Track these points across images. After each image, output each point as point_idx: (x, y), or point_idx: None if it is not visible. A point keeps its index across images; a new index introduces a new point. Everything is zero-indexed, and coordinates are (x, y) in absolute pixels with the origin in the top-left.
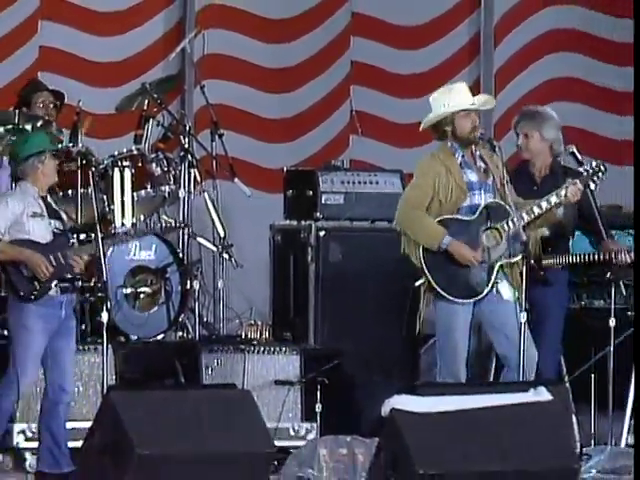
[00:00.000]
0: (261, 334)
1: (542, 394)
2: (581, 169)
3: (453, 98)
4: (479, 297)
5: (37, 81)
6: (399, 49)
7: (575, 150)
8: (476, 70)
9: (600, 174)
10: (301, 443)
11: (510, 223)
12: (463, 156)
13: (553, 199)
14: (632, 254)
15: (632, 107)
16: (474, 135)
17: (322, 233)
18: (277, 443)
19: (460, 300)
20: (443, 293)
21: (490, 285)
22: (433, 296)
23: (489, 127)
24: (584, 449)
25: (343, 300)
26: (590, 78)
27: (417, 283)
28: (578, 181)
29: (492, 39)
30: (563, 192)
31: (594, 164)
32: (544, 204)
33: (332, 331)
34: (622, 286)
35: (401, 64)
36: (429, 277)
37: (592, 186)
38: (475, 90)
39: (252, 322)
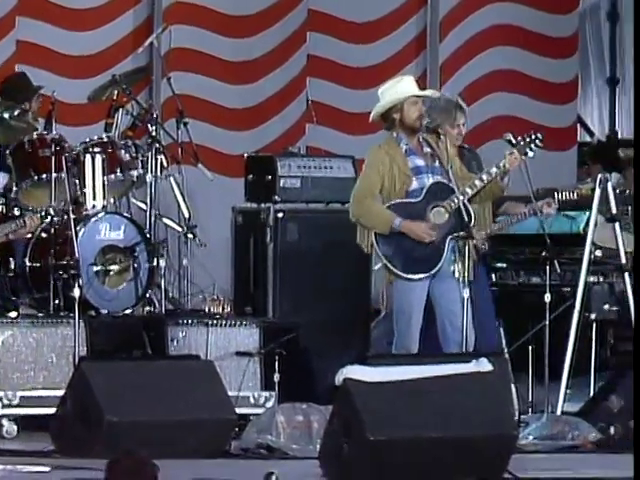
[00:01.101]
0: (223, 308)
1: (483, 365)
2: (519, 138)
3: (402, 88)
4: (433, 272)
5: (29, 80)
6: (352, 44)
7: (511, 137)
8: (423, 63)
9: (537, 141)
10: (260, 411)
11: (455, 199)
12: (407, 144)
13: (493, 170)
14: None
15: (568, 97)
16: (420, 123)
17: (280, 214)
18: (238, 411)
19: (416, 276)
20: (400, 273)
21: (442, 260)
22: (391, 276)
23: None
24: (522, 416)
25: (300, 276)
26: (528, 70)
27: (375, 267)
28: (515, 150)
29: (438, 34)
30: (502, 163)
31: (531, 132)
32: (485, 176)
33: (289, 305)
34: (557, 264)
35: (354, 58)
36: (385, 261)
37: (530, 154)
38: (422, 82)
39: (215, 297)
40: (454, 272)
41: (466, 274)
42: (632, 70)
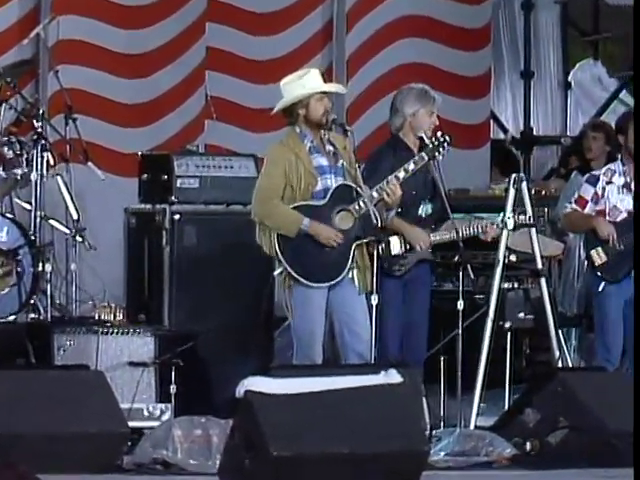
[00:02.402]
0: (115, 316)
1: (393, 376)
2: (427, 141)
3: (308, 82)
4: (336, 280)
5: None
6: (254, 35)
7: (424, 135)
8: (328, 56)
9: (445, 144)
10: (155, 424)
11: (361, 204)
12: (312, 141)
13: (401, 175)
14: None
15: (481, 92)
16: (326, 119)
17: (177, 217)
18: (131, 424)
19: (317, 285)
20: (301, 279)
21: (347, 268)
22: (291, 281)
23: (341, 112)
24: (433, 431)
25: (198, 282)
26: (438, 63)
27: (275, 273)
28: (423, 153)
29: (344, 25)
30: (411, 167)
31: (439, 135)
32: (393, 180)
33: (186, 313)
34: (470, 269)
35: (256, 50)
36: (285, 264)
37: (439, 157)
38: (328, 75)
39: (105, 304)
40: (353, 279)
41: (368, 281)
42: (548, 63)
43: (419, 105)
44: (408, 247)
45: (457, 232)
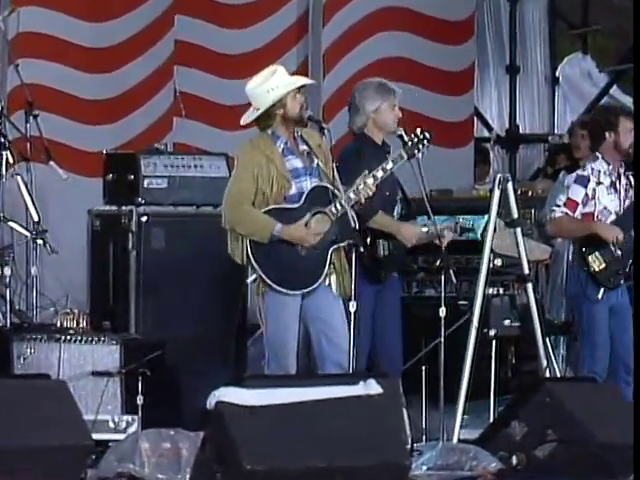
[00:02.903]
0: (78, 323)
1: (372, 387)
2: (406, 138)
3: (279, 81)
4: (312, 287)
5: None
6: (225, 28)
7: (403, 133)
8: (304, 50)
9: (425, 141)
10: (121, 437)
11: (338, 205)
12: (286, 142)
13: (379, 174)
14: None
15: (464, 87)
16: (303, 115)
17: (144, 218)
18: (95, 436)
19: (292, 292)
20: (275, 286)
21: (324, 275)
22: (264, 288)
23: (317, 109)
24: (415, 444)
25: (167, 288)
26: (419, 58)
27: (249, 280)
28: (402, 151)
29: (320, 17)
30: (389, 165)
31: (418, 132)
32: (370, 181)
33: (155, 320)
34: (452, 274)
35: (227, 44)
36: (259, 271)
37: (419, 155)
38: (303, 70)
39: (68, 310)
40: (331, 285)
41: (347, 286)
42: (535, 57)
43: (380, 100)
44: (392, 249)
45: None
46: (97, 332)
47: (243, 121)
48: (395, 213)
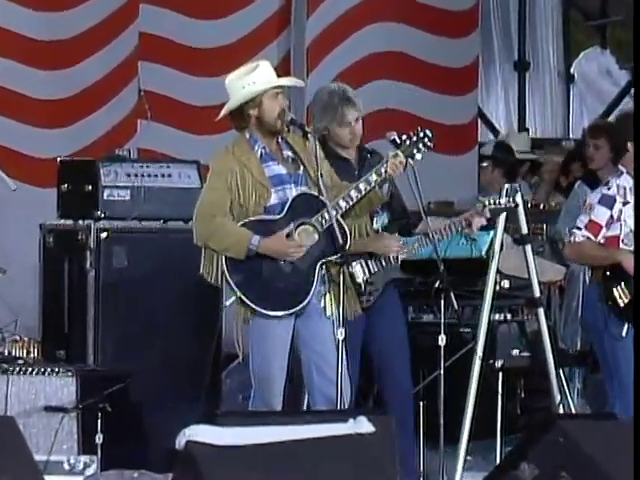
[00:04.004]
0: (28, 352)
1: (363, 425)
2: (404, 137)
3: (258, 77)
4: (299, 307)
5: None
6: (196, 19)
7: (396, 137)
8: (286, 43)
9: (426, 140)
10: (79, 479)
11: (326, 215)
12: (264, 148)
13: (372, 178)
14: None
15: (467, 86)
16: (282, 120)
17: (104, 235)
18: (48, 479)
19: (277, 313)
20: (258, 308)
21: (311, 293)
22: (248, 312)
23: (301, 111)
24: None
25: (130, 313)
26: (416, 52)
27: (226, 304)
28: (399, 152)
29: (305, 7)
30: (383, 168)
31: (418, 129)
32: (362, 185)
33: (116, 349)
34: (453, 297)
35: (199, 36)
36: (238, 292)
37: (418, 156)
38: (285, 67)
39: (17, 338)
40: (325, 308)
41: (340, 310)
42: (547, 51)
43: (327, 121)
44: (373, 269)
45: (431, 235)
46: (50, 362)
47: (218, 118)
48: (377, 225)
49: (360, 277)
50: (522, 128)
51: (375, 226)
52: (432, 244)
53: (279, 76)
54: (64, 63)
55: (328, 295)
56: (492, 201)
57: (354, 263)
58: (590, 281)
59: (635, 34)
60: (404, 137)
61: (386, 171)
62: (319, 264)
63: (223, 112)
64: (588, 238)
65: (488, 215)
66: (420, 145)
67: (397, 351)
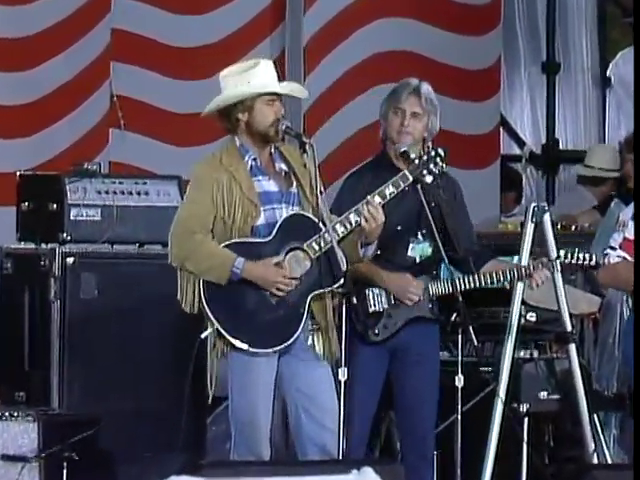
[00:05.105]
0: None
1: (368, 476)
2: (412, 155)
3: (255, 77)
4: (287, 343)
5: None
6: (177, 13)
7: (407, 149)
8: (279, 41)
9: (438, 160)
10: None
11: (321, 240)
12: (255, 159)
13: (376, 200)
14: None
15: (487, 90)
16: (276, 130)
17: (70, 260)
18: None
19: (261, 350)
20: (238, 343)
21: (301, 328)
22: (224, 346)
23: (298, 119)
24: None
25: (100, 350)
26: (430, 52)
27: (203, 335)
28: (406, 172)
29: (302, 1)
30: (389, 190)
31: (429, 147)
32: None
33: (84, 391)
34: (472, 332)
35: (179, 34)
36: (215, 322)
37: (428, 179)
38: (280, 69)
39: None
40: (314, 345)
41: (334, 347)
42: (579, 51)
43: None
44: (394, 301)
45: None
46: (8, 406)
47: (204, 113)
48: (413, 253)
49: (376, 306)
50: (550, 139)
51: (409, 254)
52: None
53: (280, 79)
54: (25, 64)
55: (316, 333)
56: (568, 254)
57: (367, 291)
58: (629, 311)
59: (635, 34)
60: (412, 155)
61: (391, 194)
62: (311, 295)
63: (208, 108)
64: (624, 258)
65: (556, 269)
66: (431, 165)
67: (421, 408)
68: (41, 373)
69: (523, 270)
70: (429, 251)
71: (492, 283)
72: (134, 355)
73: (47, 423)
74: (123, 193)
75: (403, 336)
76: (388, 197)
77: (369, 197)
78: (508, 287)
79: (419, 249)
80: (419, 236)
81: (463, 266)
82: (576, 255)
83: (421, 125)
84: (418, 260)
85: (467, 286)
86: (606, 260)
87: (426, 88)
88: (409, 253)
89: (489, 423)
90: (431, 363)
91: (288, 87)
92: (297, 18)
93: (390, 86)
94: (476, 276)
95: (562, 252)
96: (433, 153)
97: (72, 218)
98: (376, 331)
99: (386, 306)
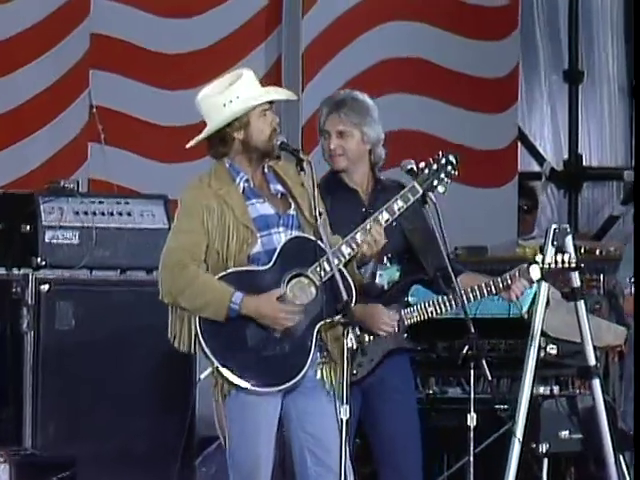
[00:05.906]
0: None
1: None
2: (421, 165)
3: (242, 90)
4: (294, 382)
5: None
6: (163, 17)
7: (414, 166)
8: (275, 47)
9: (449, 168)
10: None
11: (325, 265)
12: (248, 180)
13: (384, 217)
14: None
15: (504, 101)
16: (274, 143)
17: (45, 287)
18: None
19: (267, 389)
20: (243, 383)
21: (308, 364)
22: (227, 386)
23: (295, 132)
24: None
25: (77, 385)
26: (441, 60)
27: (202, 375)
28: (415, 183)
29: (300, 3)
30: (397, 205)
31: (439, 155)
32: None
33: (59, 430)
34: (486, 366)
35: (165, 40)
36: (216, 363)
37: (440, 189)
38: (275, 75)
39: None
40: (323, 380)
41: (343, 382)
42: (605, 59)
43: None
44: (368, 337)
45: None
46: None
47: (189, 144)
48: (380, 280)
49: (349, 344)
50: (573, 154)
51: (378, 281)
52: (453, 307)
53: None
54: None
55: (326, 365)
56: (545, 259)
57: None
58: None
59: (635, 34)
60: (421, 165)
61: (400, 209)
62: (317, 326)
63: (199, 138)
64: None
65: (536, 277)
66: (442, 175)
67: (403, 446)
68: (13, 410)
69: (500, 283)
70: (397, 275)
71: (469, 300)
72: (114, 391)
73: (19, 464)
74: (103, 214)
75: (378, 372)
76: (397, 213)
77: (377, 214)
78: (526, 316)
79: (387, 275)
80: (384, 261)
81: (436, 287)
82: (554, 258)
83: (353, 142)
84: (387, 287)
85: (443, 309)
86: (632, 289)
87: (350, 99)
88: (377, 280)
89: (505, 465)
90: (409, 396)
91: (282, 93)
92: (295, 21)
93: (397, 96)
94: (450, 296)
95: (539, 257)
96: (444, 160)
97: (47, 241)
98: (354, 371)
99: (356, 344)
